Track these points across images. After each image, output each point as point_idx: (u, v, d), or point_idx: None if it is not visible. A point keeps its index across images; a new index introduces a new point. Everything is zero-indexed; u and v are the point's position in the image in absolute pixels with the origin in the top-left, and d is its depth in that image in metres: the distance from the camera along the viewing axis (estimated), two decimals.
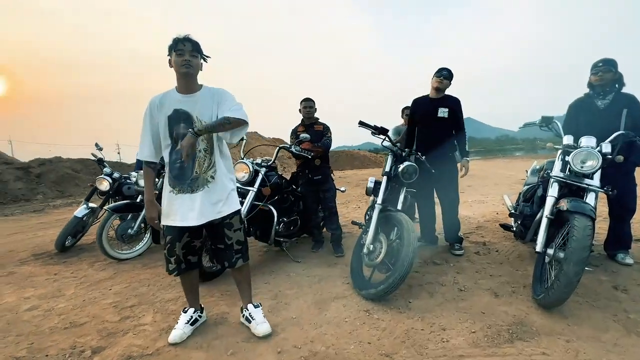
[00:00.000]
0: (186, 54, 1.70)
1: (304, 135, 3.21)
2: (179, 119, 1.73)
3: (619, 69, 2.74)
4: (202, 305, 2.12)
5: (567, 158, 2.32)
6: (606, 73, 2.70)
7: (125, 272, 3.10)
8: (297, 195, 3.59)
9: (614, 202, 2.83)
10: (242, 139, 3.16)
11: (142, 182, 3.65)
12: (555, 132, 2.57)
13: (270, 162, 3.19)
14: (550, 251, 2.16)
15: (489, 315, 2.05)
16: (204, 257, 2.68)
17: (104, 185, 3.95)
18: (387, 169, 2.74)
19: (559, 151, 2.48)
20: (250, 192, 2.93)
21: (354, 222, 3.35)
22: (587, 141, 2.33)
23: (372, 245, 2.45)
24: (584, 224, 1.92)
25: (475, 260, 3.00)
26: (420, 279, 2.64)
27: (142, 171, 3.70)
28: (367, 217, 3.19)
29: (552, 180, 2.35)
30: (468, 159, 3.15)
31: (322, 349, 1.78)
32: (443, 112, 3.13)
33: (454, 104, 3.18)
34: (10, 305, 2.47)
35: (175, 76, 1.76)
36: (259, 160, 3.14)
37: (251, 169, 2.97)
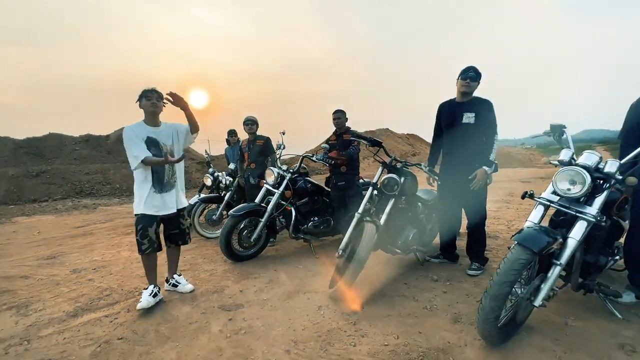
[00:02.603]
0: (153, 99, 2.47)
1: (324, 145, 3.58)
2: (150, 144, 2.49)
3: None
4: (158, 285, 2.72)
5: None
6: None
7: (201, 247, 4.25)
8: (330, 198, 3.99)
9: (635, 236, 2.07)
10: (279, 148, 3.84)
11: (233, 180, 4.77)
12: (566, 144, 2.10)
13: (296, 169, 3.71)
14: None
15: (422, 336, 2.03)
16: (234, 242, 3.48)
17: (208, 181, 5.34)
18: (375, 180, 2.84)
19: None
20: (276, 193, 3.55)
21: None
22: (587, 157, 1.89)
23: (342, 251, 2.68)
24: (514, 257, 1.68)
25: (480, 284, 2.72)
26: (400, 291, 2.68)
27: (231, 165, 4.91)
28: None
29: (536, 202, 2.01)
30: (488, 168, 2.80)
31: (258, 325, 2.24)
32: (469, 118, 2.87)
33: (483, 108, 2.88)
34: (123, 257, 3.91)
35: (146, 112, 2.51)
36: (285, 167, 3.71)
37: (276, 175, 3.58)
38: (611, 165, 1.83)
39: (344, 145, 3.70)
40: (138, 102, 2.53)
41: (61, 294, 2.88)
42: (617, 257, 2.37)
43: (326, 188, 4.02)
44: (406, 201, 3.11)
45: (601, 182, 1.86)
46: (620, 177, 1.82)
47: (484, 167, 2.80)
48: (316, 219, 3.84)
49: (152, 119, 2.56)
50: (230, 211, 3.45)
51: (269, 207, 3.50)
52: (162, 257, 2.84)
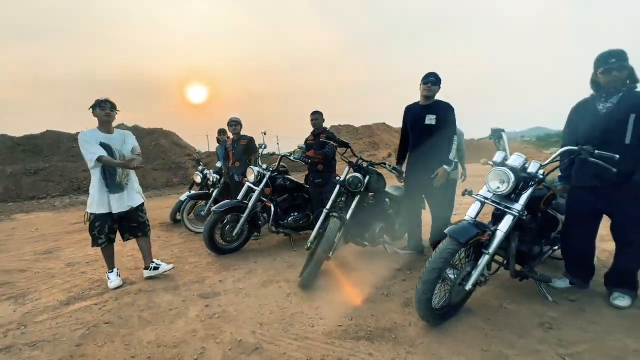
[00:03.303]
0: (107, 109, 2.83)
1: (301, 145, 3.82)
2: (103, 148, 2.80)
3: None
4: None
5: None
6: (622, 71, 2.15)
7: (189, 242, 4.50)
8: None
9: (616, 231, 2.31)
10: (260, 147, 4.08)
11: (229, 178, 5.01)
12: (503, 148, 2.33)
13: (274, 168, 3.94)
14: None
15: (373, 318, 2.29)
16: (217, 237, 3.73)
17: (198, 178, 5.58)
18: (342, 178, 3.09)
19: None
20: (256, 190, 3.79)
21: None
22: (514, 159, 2.13)
23: (310, 243, 2.93)
24: (443, 247, 1.94)
25: None
26: (364, 279, 2.94)
27: (218, 163, 5.16)
28: None
29: (474, 199, 2.25)
30: (447, 167, 3.04)
31: (231, 310, 2.50)
32: (430, 119, 3.11)
33: (443, 110, 3.11)
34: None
35: (100, 120, 2.86)
36: (264, 166, 3.94)
37: (256, 173, 3.81)
38: (533, 166, 2.07)
39: (321, 144, 3.93)
40: (92, 110, 2.84)
41: (55, 285, 3.14)
42: (556, 247, 2.63)
43: (305, 185, 4.26)
44: (374, 197, 3.36)
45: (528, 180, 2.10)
46: (542, 176, 2.06)
47: (444, 166, 3.04)
48: (295, 214, 4.08)
49: (105, 126, 2.90)
50: (213, 208, 3.69)
51: (250, 203, 3.74)
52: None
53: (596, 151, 2.00)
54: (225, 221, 3.77)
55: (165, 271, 3.21)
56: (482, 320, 2.18)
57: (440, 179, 3.02)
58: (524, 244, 2.33)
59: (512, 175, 2.01)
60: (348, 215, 2.99)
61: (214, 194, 4.95)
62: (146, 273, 3.17)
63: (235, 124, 4.54)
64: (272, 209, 3.77)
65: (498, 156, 2.21)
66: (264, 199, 3.87)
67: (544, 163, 2.11)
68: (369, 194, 3.31)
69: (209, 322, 2.34)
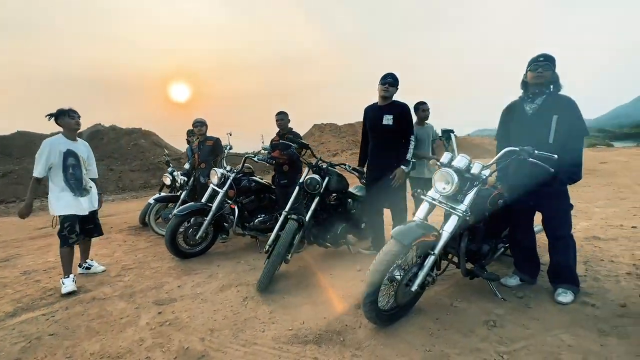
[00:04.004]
0: (76, 118, 2.93)
1: (264, 146, 3.78)
2: (69, 155, 3.00)
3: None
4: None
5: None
6: (546, 70, 2.26)
7: (155, 246, 4.40)
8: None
9: (547, 227, 2.40)
10: (226, 148, 4.01)
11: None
12: (452, 147, 2.36)
13: (239, 170, 3.88)
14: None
15: (324, 321, 2.28)
16: (179, 241, 3.66)
17: (167, 180, 5.46)
18: (301, 180, 3.07)
19: None
20: (220, 193, 3.73)
21: None
22: (459, 160, 2.15)
23: (268, 246, 2.91)
24: (387, 249, 1.96)
25: None
26: (323, 281, 2.93)
27: (186, 165, 5.07)
28: None
29: (423, 200, 2.26)
30: (405, 167, 3.07)
31: (184, 317, 2.46)
32: (388, 120, 3.12)
33: (400, 111, 3.12)
34: (75, 258, 4.04)
35: (68, 129, 3.05)
36: (228, 168, 3.88)
37: (219, 175, 3.75)
38: (476, 167, 2.10)
39: (285, 146, 3.89)
40: (55, 119, 2.94)
41: (6, 295, 3.02)
42: (507, 245, 2.68)
43: (272, 186, 4.22)
44: (336, 198, 3.35)
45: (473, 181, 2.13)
46: (484, 177, 2.09)
47: (402, 166, 3.06)
48: (262, 215, 4.04)
49: (72, 134, 3.10)
50: (174, 211, 3.62)
51: (214, 206, 3.68)
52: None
53: (536, 152, 2.04)
54: (189, 224, 3.71)
55: (97, 272, 3.40)
56: (431, 319, 2.20)
57: (398, 180, 3.04)
58: (474, 243, 2.37)
59: (455, 177, 2.03)
60: (307, 217, 2.98)
61: (182, 196, 4.85)
62: (79, 270, 3.37)
63: (200, 125, 4.47)
64: (237, 211, 3.73)
65: (445, 157, 2.23)
66: (229, 201, 3.82)
67: (487, 164, 2.14)
68: (332, 195, 3.30)
69: (159, 330, 2.29)
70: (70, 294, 2.90)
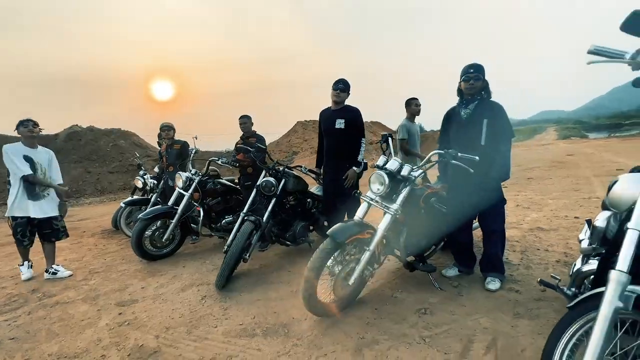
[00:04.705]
0: (30, 126, 3.15)
1: (228, 148, 3.90)
2: (26, 161, 3.20)
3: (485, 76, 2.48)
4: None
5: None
6: (477, 81, 2.47)
7: (125, 249, 4.49)
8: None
9: (481, 222, 2.63)
10: (192, 152, 4.11)
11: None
12: (389, 151, 2.55)
13: (203, 173, 4.00)
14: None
15: (274, 315, 2.45)
16: (146, 243, 3.76)
17: (139, 183, 5.52)
18: (258, 182, 3.22)
19: None
20: (185, 196, 3.85)
21: None
22: (391, 163, 2.33)
23: (226, 247, 3.05)
24: (322, 247, 2.14)
25: None
26: (280, 278, 3.10)
27: (156, 168, 5.13)
28: None
29: (363, 200, 2.45)
30: (357, 168, 3.25)
31: (143, 317, 2.58)
32: (340, 124, 3.30)
33: (351, 115, 3.30)
34: (42, 264, 4.11)
35: (25, 137, 3.20)
36: (193, 171, 3.99)
37: (184, 179, 3.86)
38: (405, 170, 2.29)
39: (246, 149, 4.03)
40: (16, 129, 3.17)
41: None
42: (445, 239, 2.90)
43: (239, 188, 4.35)
44: (295, 198, 3.52)
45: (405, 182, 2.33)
46: (413, 178, 2.29)
47: (354, 167, 3.25)
48: (229, 216, 4.18)
49: (29, 141, 3.21)
50: (140, 215, 3.72)
51: (179, 208, 3.80)
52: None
53: (459, 154, 2.25)
54: (155, 227, 3.81)
55: (64, 277, 3.48)
56: (370, 310, 2.39)
57: (350, 180, 3.23)
58: (412, 237, 2.57)
59: (386, 178, 2.22)
60: (265, 217, 3.13)
61: (152, 199, 4.93)
62: (45, 276, 3.47)
63: (168, 129, 4.55)
64: (202, 213, 3.85)
65: (380, 160, 2.42)
66: (195, 203, 3.94)
67: (416, 166, 2.34)
68: (290, 195, 3.46)
69: (117, 330, 2.42)
70: (29, 280, 3.39)
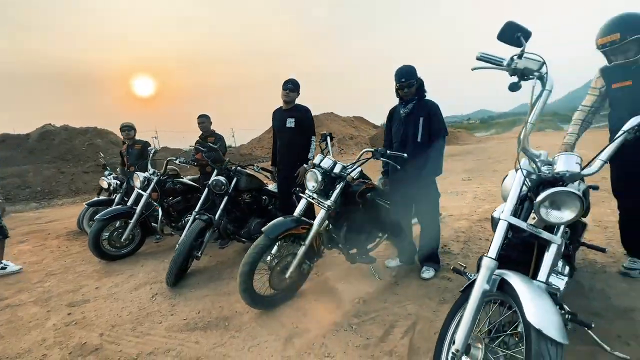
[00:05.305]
0: None
1: (187, 148, 3.95)
2: None
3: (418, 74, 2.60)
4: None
5: None
6: (410, 87, 2.59)
7: (88, 250, 4.48)
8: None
9: (418, 215, 2.78)
10: (152, 153, 4.13)
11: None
12: (327, 150, 2.66)
13: (162, 173, 4.03)
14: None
15: (218, 309, 2.54)
16: (105, 244, 3.79)
17: (104, 184, 5.49)
18: (210, 181, 3.29)
19: None
20: (143, 196, 3.88)
21: None
22: (325, 162, 2.44)
23: (178, 245, 3.12)
24: (256, 243, 2.25)
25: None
26: (233, 274, 3.17)
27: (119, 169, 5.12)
28: None
29: (301, 197, 2.55)
30: (307, 166, 3.36)
31: (91, 316, 2.64)
32: (290, 122, 3.39)
33: (301, 114, 3.40)
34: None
35: None
36: (152, 171, 4.02)
37: (142, 179, 3.89)
38: (338, 167, 2.41)
39: (198, 150, 4.08)
40: None
41: None
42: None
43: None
44: (250, 196, 3.60)
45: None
46: (345, 176, 2.41)
47: (305, 165, 3.35)
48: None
49: None
50: (97, 216, 3.73)
51: (138, 208, 3.83)
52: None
53: (388, 152, 2.37)
54: (114, 228, 3.84)
55: (13, 272, 3.64)
56: (310, 301, 2.51)
57: (301, 178, 3.33)
58: (353, 231, 2.69)
59: (319, 176, 2.33)
60: (217, 215, 3.21)
61: (116, 200, 4.92)
62: None
63: (128, 129, 4.55)
64: (160, 212, 3.89)
65: (317, 159, 2.53)
66: (154, 203, 3.97)
67: (348, 164, 2.45)
68: (245, 193, 3.54)
69: (63, 330, 2.47)
70: None
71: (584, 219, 2.15)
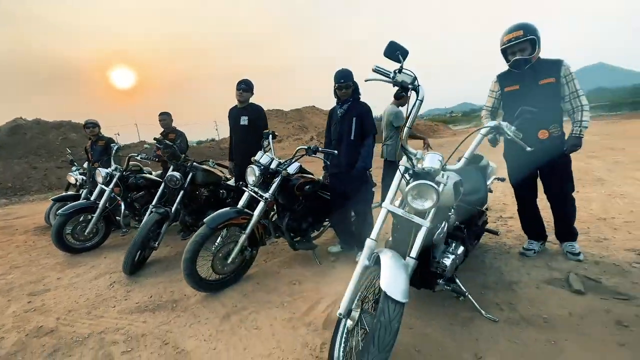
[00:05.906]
0: None
1: (146, 145, 4.12)
2: None
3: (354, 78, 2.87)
4: None
5: None
6: (347, 89, 2.84)
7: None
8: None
9: (353, 206, 3.06)
10: (115, 149, 4.28)
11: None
12: (269, 147, 2.92)
13: (124, 168, 4.20)
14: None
15: (170, 293, 2.78)
16: (69, 238, 3.95)
17: (72, 179, 5.59)
18: (165, 177, 3.49)
19: None
20: (106, 191, 4.04)
21: None
22: (264, 158, 2.71)
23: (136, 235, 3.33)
24: (198, 232, 2.49)
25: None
26: None
27: (85, 164, 5.23)
28: None
29: (244, 190, 2.80)
30: None
31: (51, 304, 2.83)
32: (244, 120, 3.63)
33: (254, 113, 3.63)
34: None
35: None
36: (114, 167, 4.17)
37: (104, 175, 4.05)
38: (274, 164, 2.67)
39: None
40: None
41: None
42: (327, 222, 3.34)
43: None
44: (208, 190, 3.82)
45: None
46: (282, 171, 2.67)
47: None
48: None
49: None
50: (59, 211, 3.88)
51: (100, 203, 3.99)
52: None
53: (319, 149, 2.64)
54: (78, 222, 4.00)
55: None
56: (252, 284, 2.79)
57: None
58: (295, 221, 2.97)
59: (257, 171, 2.59)
60: (173, 209, 3.43)
61: (83, 195, 5.05)
62: None
63: (92, 126, 4.67)
64: (122, 207, 4.07)
65: (258, 155, 2.78)
66: (118, 197, 4.14)
67: (283, 160, 2.72)
68: (202, 187, 3.76)
69: (23, 316, 2.66)
70: None
71: (481, 208, 2.48)
